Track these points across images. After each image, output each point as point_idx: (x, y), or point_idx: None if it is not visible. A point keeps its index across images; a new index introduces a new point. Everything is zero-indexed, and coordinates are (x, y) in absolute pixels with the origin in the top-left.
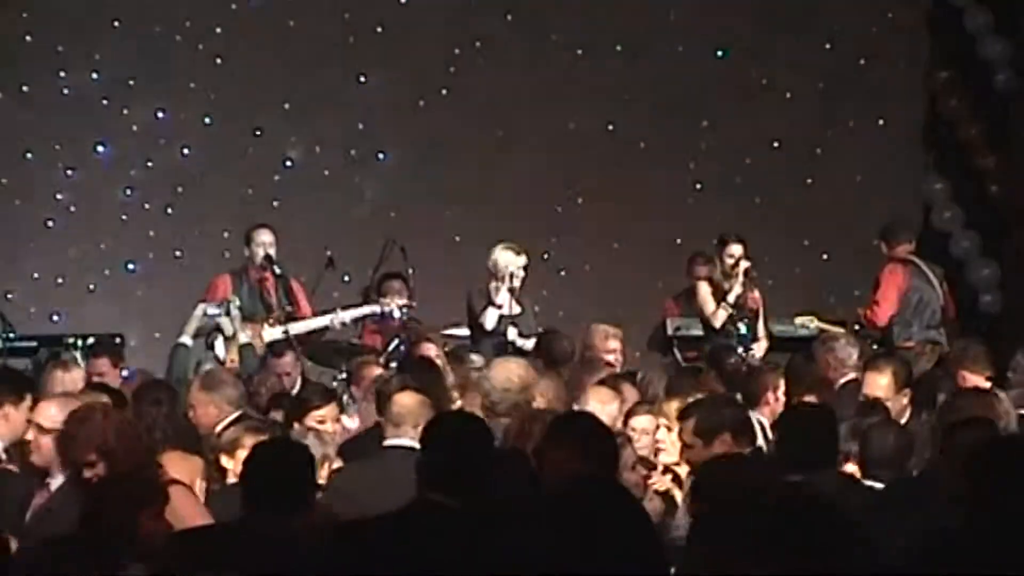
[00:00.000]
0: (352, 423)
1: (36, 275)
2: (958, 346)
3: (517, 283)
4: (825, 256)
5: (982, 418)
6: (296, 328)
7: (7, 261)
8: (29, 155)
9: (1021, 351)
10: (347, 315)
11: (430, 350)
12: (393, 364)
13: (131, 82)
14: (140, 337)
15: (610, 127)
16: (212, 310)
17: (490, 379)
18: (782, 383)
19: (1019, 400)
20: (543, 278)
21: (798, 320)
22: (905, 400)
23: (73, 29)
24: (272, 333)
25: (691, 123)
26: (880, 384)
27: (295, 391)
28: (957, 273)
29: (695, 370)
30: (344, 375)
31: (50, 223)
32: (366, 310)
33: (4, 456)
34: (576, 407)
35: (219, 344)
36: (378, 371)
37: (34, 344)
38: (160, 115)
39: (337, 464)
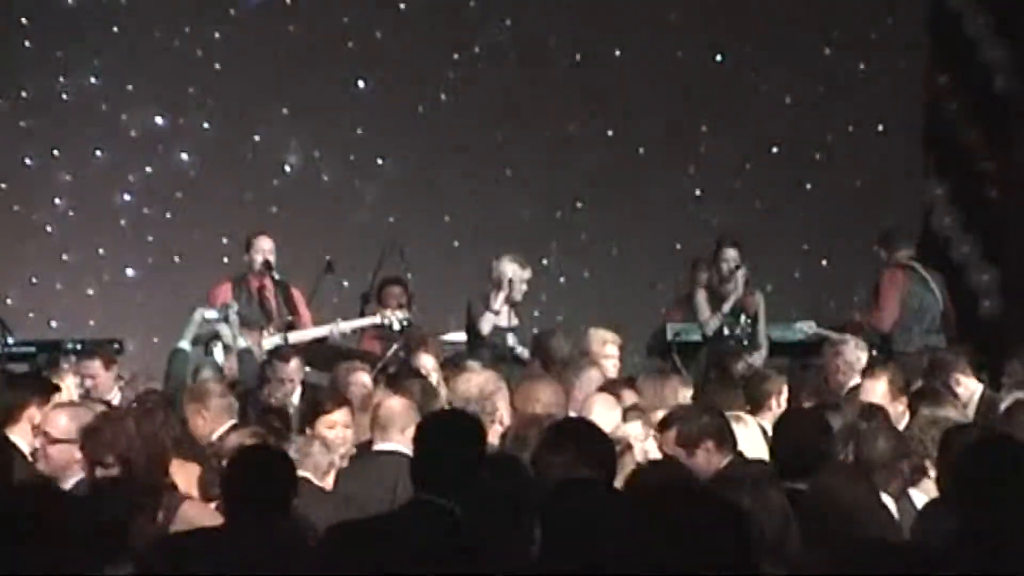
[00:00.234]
0: None
1: (35, 280)
2: (950, 351)
3: (518, 296)
4: (825, 261)
5: (982, 423)
6: (296, 337)
7: (6, 266)
8: (28, 160)
9: (1019, 359)
10: (347, 325)
11: (426, 362)
12: (391, 369)
13: (130, 87)
14: (139, 343)
15: (609, 132)
16: (210, 315)
17: (453, 388)
18: (785, 389)
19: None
20: (542, 284)
21: (797, 325)
22: (902, 407)
23: (72, 34)
24: (271, 341)
25: (690, 128)
26: (877, 391)
27: (294, 398)
28: (957, 277)
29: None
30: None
31: (49, 228)
32: (366, 321)
33: (31, 458)
34: (577, 414)
35: (218, 350)
36: (364, 377)
37: (32, 350)
38: (159, 120)
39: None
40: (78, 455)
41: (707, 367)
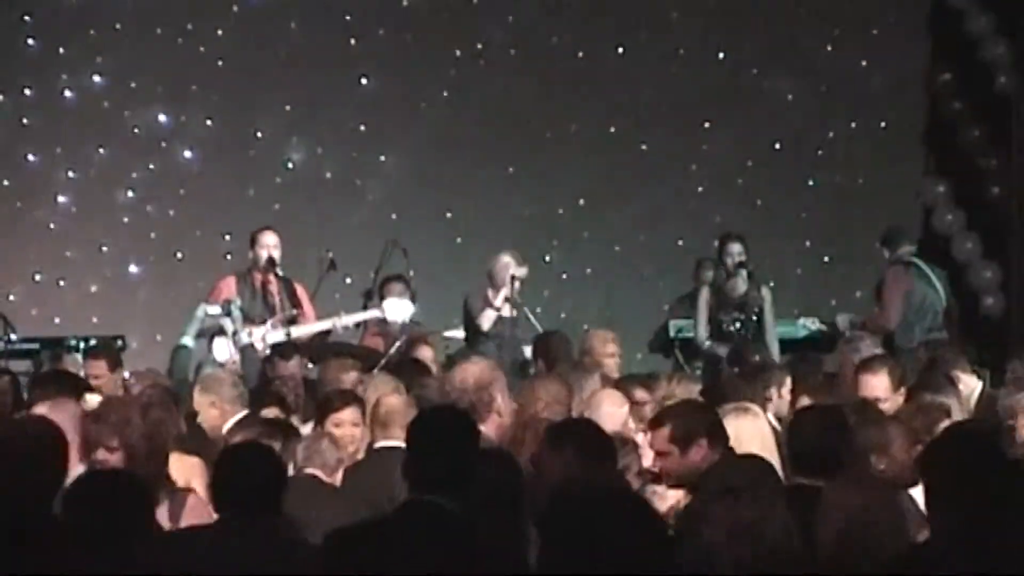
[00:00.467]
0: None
1: (37, 277)
2: (951, 348)
3: (515, 292)
4: (827, 258)
5: (979, 420)
6: (298, 331)
7: (8, 263)
8: (30, 157)
9: (1020, 358)
10: (350, 319)
11: (425, 353)
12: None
13: (132, 85)
14: (141, 339)
15: (611, 130)
16: (212, 310)
17: (449, 379)
18: (788, 381)
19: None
20: (544, 281)
21: (800, 322)
22: (901, 400)
23: (74, 32)
24: (275, 336)
25: (692, 125)
26: (876, 385)
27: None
28: (958, 276)
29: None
30: None
31: (51, 225)
32: (368, 314)
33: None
34: (586, 411)
35: (220, 346)
36: (353, 375)
37: (35, 346)
38: (161, 117)
39: None
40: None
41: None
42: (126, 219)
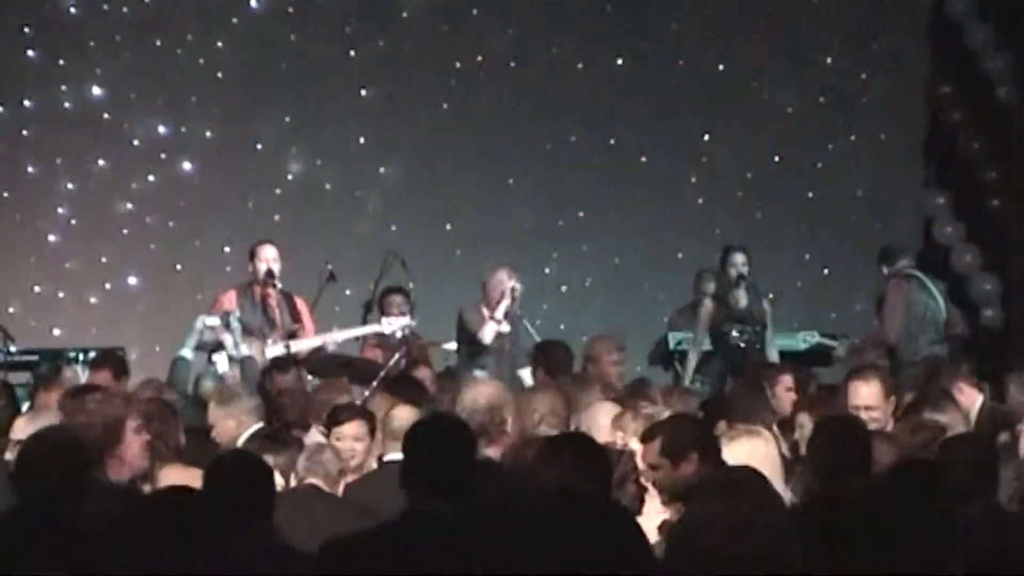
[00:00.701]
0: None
1: (37, 288)
2: (953, 360)
3: (514, 304)
4: (826, 270)
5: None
6: (297, 345)
7: (8, 274)
8: (30, 169)
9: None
10: (340, 335)
11: (423, 373)
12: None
13: (132, 96)
14: (140, 351)
15: (611, 141)
16: (211, 322)
17: (460, 400)
18: (785, 380)
19: None
20: (544, 292)
21: (800, 335)
22: (891, 408)
23: (74, 43)
24: (274, 349)
25: (692, 137)
26: (868, 393)
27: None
28: (959, 288)
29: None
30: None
31: (51, 237)
32: (367, 329)
33: None
34: (583, 423)
35: (220, 359)
36: (344, 398)
37: (35, 358)
38: (161, 129)
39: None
40: None
41: (723, 375)
42: (126, 230)
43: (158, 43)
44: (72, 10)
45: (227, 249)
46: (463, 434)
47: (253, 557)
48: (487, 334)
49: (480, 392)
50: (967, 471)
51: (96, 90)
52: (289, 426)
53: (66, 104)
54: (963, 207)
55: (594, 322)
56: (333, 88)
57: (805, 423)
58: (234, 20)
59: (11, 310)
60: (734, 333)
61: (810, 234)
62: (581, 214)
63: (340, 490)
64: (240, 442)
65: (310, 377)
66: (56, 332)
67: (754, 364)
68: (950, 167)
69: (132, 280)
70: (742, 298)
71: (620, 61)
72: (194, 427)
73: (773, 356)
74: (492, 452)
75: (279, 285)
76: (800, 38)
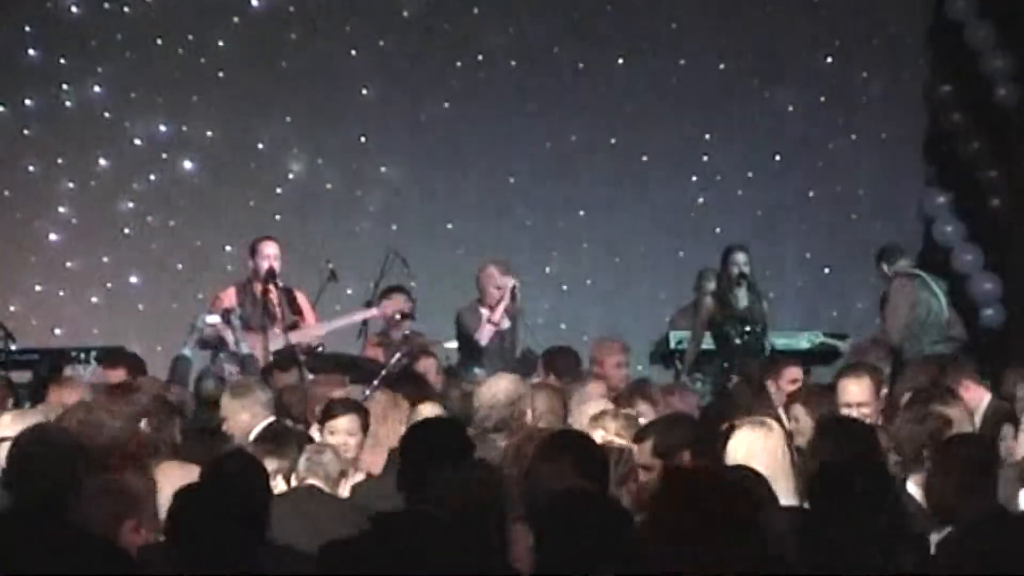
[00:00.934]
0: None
1: (38, 288)
2: (961, 357)
3: (516, 303)
4: (827, 269)
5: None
6: (298, 336)
7: (9, 274)
8: (31, 168)
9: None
10: (347, 320)
11: (429, 366)
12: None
13: (133, 95)
14: (141, 350)
15: (612, 140)
16: (212, 319)
17: (479, 395)
18: (788, 373)
19: None
20: (545, 292)
21: (803, 334)
22: (881, 405)
23: (75, 42)
24: (275, 343)
25: (693, 137)
26: (858, 390)
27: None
28: (959, 287)
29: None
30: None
31: (52, 236)
32: (365, 313)
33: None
34: (582, 423)
35: (222, 356)
36: (343, 392)
37: (35, 357)
38: (162, 128)
39: (358, 477)
40: None
41: (723, 375)
42: (127, 230)
43: (159, 42)
44: (73, 9)
45: (228, 248)
46: (456, 436)
47: (249, 557)
48: (484, 336)
49: (500, 387)
50: (966, 471)
51: (97, 89)
52: (296, 423)
53: (67, 103)
54: (963, 207)
55: (595, 321)
56: (334, 87)
57: (800, 416)
58: (235, 19)
59: (12, 309)
60: (734, 332)
61: (810, 233)
62: (582, 213)
63: (342, 490)
64: (252, 436)
65: (311, 376)
66: (57, 331)
67: (756, 363)
68: (950, 167)
69: (133, 279)
70: (743, 297)
71: (621, 60)
72: (194, 426)
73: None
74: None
75: (280, 284)
76: (801, 37)
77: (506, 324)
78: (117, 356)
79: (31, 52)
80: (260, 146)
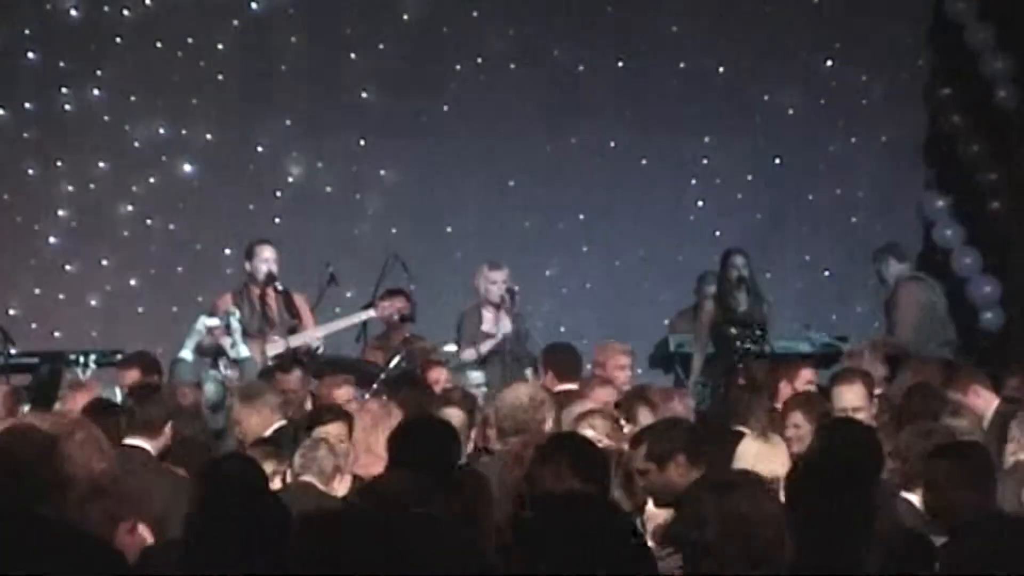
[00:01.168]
0: None
1: (37, 291)
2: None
3: (515, 305)
4: (827, 272)
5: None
6: (297, 339)
7: (8, 277)
8: (30, 171)
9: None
10: (345, 322)
11: (439, 376)
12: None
13: (132, 98)
14: (131, 352)
15: (611, 143)
16: (212, 323)
17: (500, 399)
18: (804, 375)
19: None
20: (544, 295)
21: (811, 334)
22: (875, 410)
23: (74, 45)
24: (274, 347)
25: (693, 140)
26: (852, 396)
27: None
28: (958, 290)
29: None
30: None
31: (51, 239)
32: (362, 315)
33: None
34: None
35: (222, 360)
36: (348, 390)
37: (35, 360)
38: (161, 131)
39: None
40: None
41: (725, 377)
42: (126, 233)
43: (159, 45)
44: (73, 12)
45: (228, 251)
46: (448, 438)
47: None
48: (466, 355)
49: (521, 391)
50: (961, 478)
51: (96, 92)
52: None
53: (67, 106)
54: (963, 209)
55: (594, 325)
56: (334, 90)
57: (799, 423)
58: (235, 22)
59: (11, 312)
60: (735, 335)
61: (810, 236)
62: (581, 216)
63: (335, 486)
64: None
65: (314, 380)
66: (56, 334)
67: (757, 366)
68: (950, 169)
69: (132, 282)
70: (743, 301)
71: (620, 63)
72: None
73: None
74: None
75: (280, 288)
76: (800, 40)
77: (507, 328)
78: (132, 357)
79: (30, 55)
80: (260, 149)
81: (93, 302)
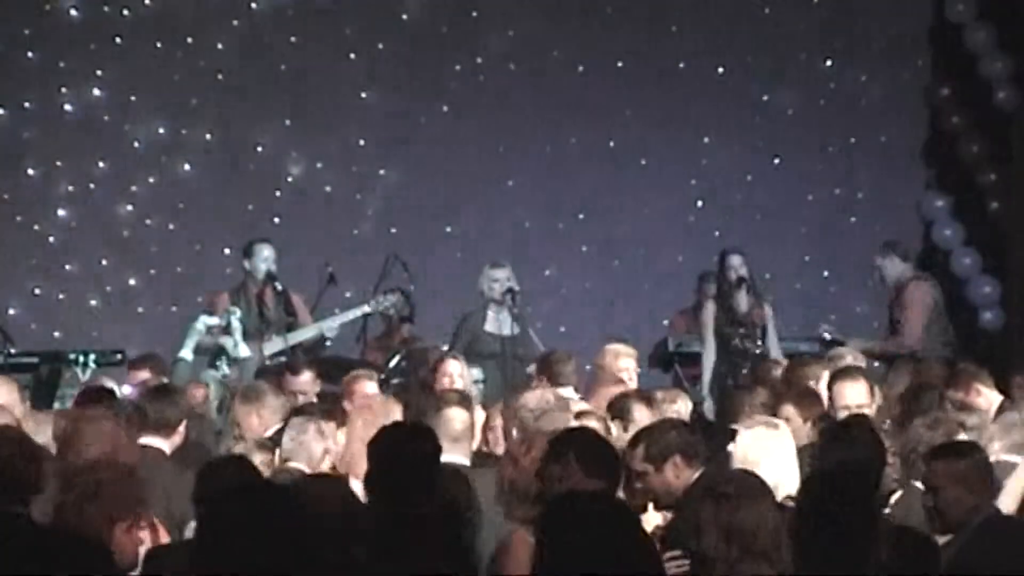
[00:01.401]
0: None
1: (37, 291)
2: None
3: (515, 306)
4: (826, 273)
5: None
6: (295, 337)
7: (8, 276)
8: (30, 171)
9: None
10: (342, 318)
11: (453, 368)
12: (395, 380)
13: (132, 98)
14: (141, 353)
15: (611, 144)
16: (211, 322)
17: (524, 401)
18: (825, 375)
19: None
20: (544, 295)
21: (822, 328)
22: (876, 405)
23: (74, 45)
24: (272, 345)
25: (692, 139)
26: (856, 393)
27: None
28: (958, 290)
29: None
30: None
31: (51, 239)
32: (359, 311)
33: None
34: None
35: (221, 360)
36: (371, 385)
37: (34, 360)
38: (161, 131)
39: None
40: None
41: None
42: (126, 233)
43: (158, 45)
44: (72, 12)
45: (227, 251)
46: (425, 441)
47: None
48: (485, 349)
49: (539, 395)
50: (959, 480)
51: (96, 92)
52: None
53: (66, 106)
54: (963, 210)
55: (594, 325)
56: (333, 90)
57: (791, 416)
58: (234, 22)
59: (11, 312)
60: (739, 335)
61: (810, 236)
62: (581, 216)
63: (327, 467)
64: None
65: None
66: (56, 334)
67: (760, 366)
68: (950, 170)
69: (132, 282)
70: (743, 301)
71: (620, 64)
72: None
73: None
74: None
75: (280, 287)
76: (800, 40)
77: (507, 330)
78: (142, 357)
79: (30, 55)
80: (259, 149)
81: (93, 301)
